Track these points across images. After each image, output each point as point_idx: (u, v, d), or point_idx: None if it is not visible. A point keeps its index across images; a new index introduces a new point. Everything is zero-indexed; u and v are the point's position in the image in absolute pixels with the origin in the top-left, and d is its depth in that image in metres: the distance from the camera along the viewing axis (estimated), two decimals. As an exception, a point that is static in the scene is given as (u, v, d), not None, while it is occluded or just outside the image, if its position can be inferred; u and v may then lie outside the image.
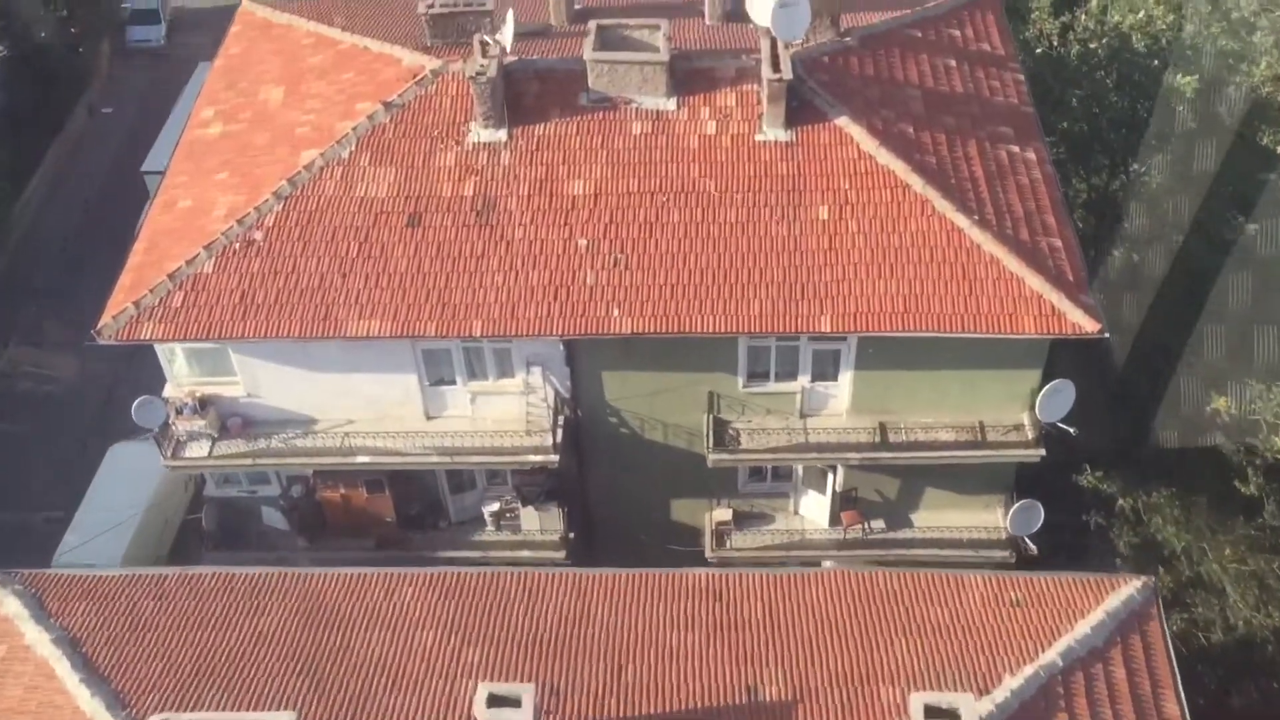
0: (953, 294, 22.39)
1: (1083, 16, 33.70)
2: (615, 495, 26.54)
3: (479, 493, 26.54)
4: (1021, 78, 27.45)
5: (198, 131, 26.84)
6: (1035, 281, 22.27)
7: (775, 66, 23.48)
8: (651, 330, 22.44)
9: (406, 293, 22.96)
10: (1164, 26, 31.36)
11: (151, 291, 23.06)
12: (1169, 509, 24.75)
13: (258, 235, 23.50)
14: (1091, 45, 32.48)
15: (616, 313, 22.57)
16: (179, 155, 26.41)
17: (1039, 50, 33.04)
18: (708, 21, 27.88)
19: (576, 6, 28.63)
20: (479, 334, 22.64)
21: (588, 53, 24.29)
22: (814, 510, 26.42)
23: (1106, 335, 22.21)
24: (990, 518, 26.01)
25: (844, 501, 26.02)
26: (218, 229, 23.66)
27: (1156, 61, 30.93)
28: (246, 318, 22.87)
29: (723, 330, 22.46)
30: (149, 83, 52.19)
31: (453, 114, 24.71)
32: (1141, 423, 26.91)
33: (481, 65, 23.78)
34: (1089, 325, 22.02)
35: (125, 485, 32.07)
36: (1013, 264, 22.43)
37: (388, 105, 24.67)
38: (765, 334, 22.63)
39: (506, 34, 24.42)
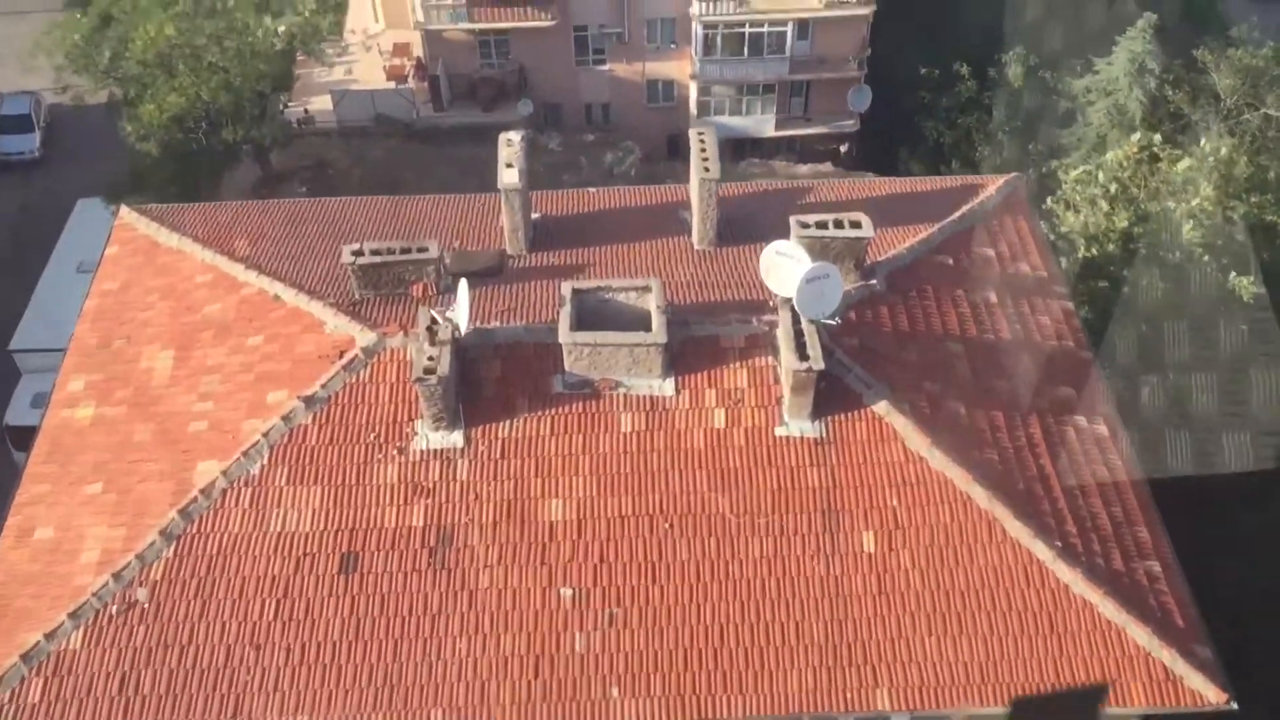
0: (1039, 654, 17.80)
1: (1099, 174, 29.55)
2: None
3: None
4: (1070, 306, 23.06)
5: (64, 413, 21.18)
6: (1140, 634, 17.78)
7: (802, 353, 18.63)
8: (663, 718, 17.49)
9: (342, 672, 17.70)
10: (1209, 208, 27.16)
11: (0, 680, 17.53)
12: None
13: (141, 594, 18.05)
14: (1119, 222, 28.25)
15: (616, 693, 17.59)
16: (40, 449, 20.74)
17: (1063, 228, 28.78)
18: (697, 246, 22.94)
19: (535, 215, 23.56)
20: (439, 731, 17.51)
21: (564, 333, 19.20)
22: None
23: (1234, 707, 17.74)
24: None
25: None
26: (88, 583, 18.18)
27: (1207, 256, 26.70)
28: (129, 713, 17.44)
29: (755, 713, 17.59)
30: (21, 209, 45.90)
31: (392, 408, 19.48)
32: None
33: (429, 361, 18.56)
34: (1213, 695, 17.59)
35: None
36: (1109, 610, 17.92)
37: (309, 401, 19.35)
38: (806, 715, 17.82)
39: (460, 312, 19.21)
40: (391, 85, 48.77)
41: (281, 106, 45.32)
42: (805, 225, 20.88)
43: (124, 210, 24.77)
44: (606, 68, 49.94)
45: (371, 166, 45.60)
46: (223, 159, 38.34)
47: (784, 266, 19.25)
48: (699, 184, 22.04)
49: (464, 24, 47.14)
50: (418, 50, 49.81)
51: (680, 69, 49.97)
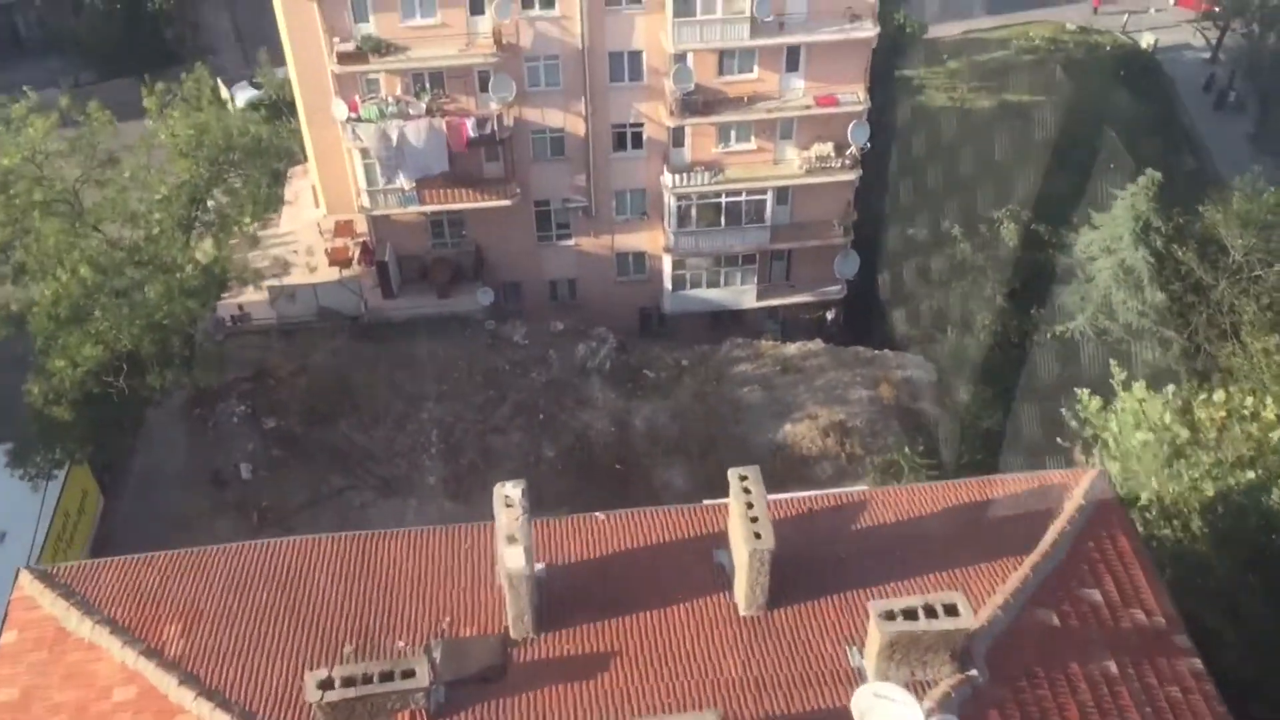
0: None
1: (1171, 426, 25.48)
2: None
3: None
4: (1199, 664, 18.92)
5: None
6: None
7: (917, 839, 14.29)
8: None
9: None
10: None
11: None
12: None
13: None
14: (1207, 489, 24.31)
15: None
16: None
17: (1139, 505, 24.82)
18: (743, 611, 18.59)
19: (539, 566, 19.13)
20: None
21: (602, 815, 14.71)
22: None
23: None
24: None
25: None
26: None
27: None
28: None
29: None
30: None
31: None
32: None
33: None
34: None
35: None
36: None
37: None
38: None
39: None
40: (335, 273, 44.31)
41: (210, 308, 40.54)
42: (891, 616, 16.65)
43: (24, 578, 19.88)
44: (571, 242, 45.95)
45: (317, 372, 41.03)
46: (145, 400, 33.47)
47: (884, 712, 14.94)
48: (749, 554, 17.73)
49: (415, 207, 42.90)
50: (361, 227, 45.52)
51: (652, 240, 46.12)
